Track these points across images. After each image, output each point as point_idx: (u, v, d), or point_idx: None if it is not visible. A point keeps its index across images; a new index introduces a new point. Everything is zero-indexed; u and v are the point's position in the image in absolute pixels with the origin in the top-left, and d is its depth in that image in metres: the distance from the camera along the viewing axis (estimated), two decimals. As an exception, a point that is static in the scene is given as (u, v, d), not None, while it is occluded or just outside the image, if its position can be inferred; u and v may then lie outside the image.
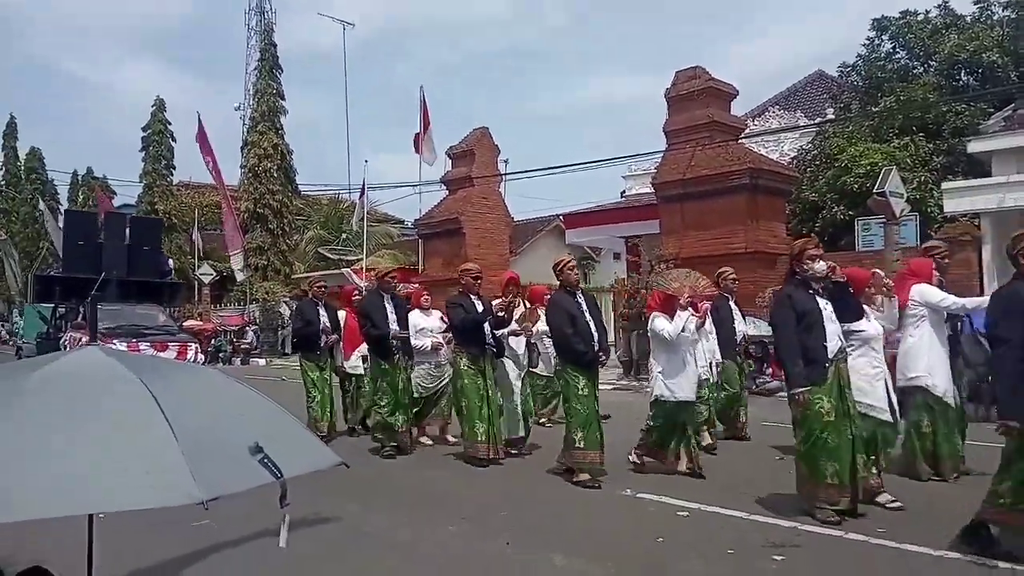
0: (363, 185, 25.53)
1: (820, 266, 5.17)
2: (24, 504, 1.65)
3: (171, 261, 21.59)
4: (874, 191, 12.58)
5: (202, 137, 25.53)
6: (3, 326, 41.04)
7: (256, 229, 28.35)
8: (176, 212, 34.46)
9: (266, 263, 28.13)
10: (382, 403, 7.73)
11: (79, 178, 43.69)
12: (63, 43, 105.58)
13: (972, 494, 4.61)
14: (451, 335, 7.87)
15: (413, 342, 7.89)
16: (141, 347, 14.32)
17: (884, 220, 12.96)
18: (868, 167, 15.95)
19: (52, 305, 18.40)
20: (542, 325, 7.68)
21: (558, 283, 6.79)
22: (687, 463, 6.43)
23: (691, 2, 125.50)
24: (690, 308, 6.34)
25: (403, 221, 35.45)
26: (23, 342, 24.25)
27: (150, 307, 16.07)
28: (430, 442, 8.37)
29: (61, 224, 41.72)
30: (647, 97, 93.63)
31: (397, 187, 47.05)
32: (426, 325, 8.11)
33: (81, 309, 15.32)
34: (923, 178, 16.30)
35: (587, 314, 6.47)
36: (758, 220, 15.49)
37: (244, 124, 34.16)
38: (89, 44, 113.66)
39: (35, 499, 1.65)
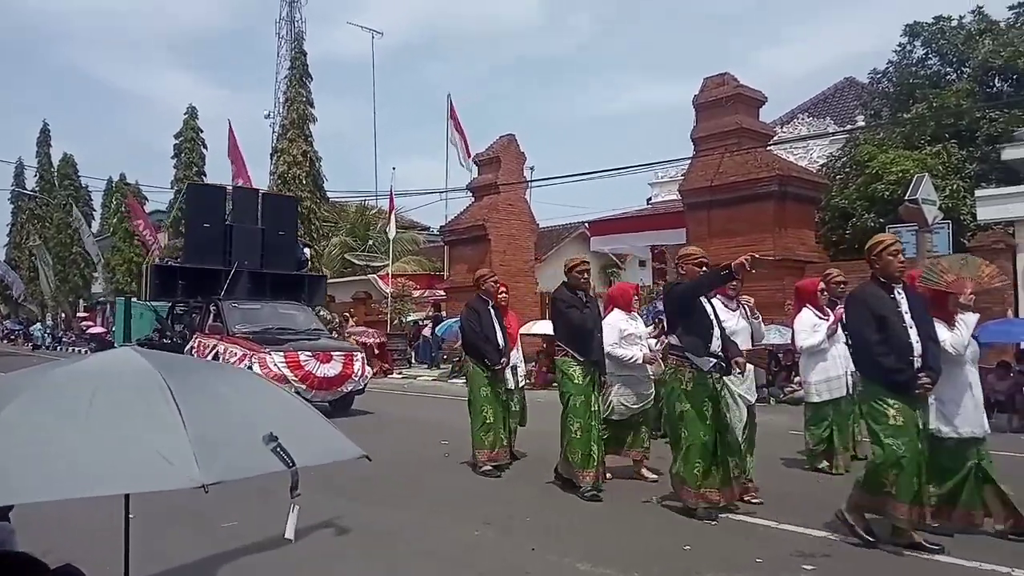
0: (391, 192, 25.74)
1: None
2: (25, 487, 1.70)
3: (307, 250, 17.99)
4: (906, 198, 12.39)
5: (233, 147, 25.82)
6: (26, 332, 41.40)
7: (284, 235, 28.59)
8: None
9: (294, 269, 28.36)
10: (573, 428, 6.11)
11: (113, 184, 44.49)
12: (98, 52, 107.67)
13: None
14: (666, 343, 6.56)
15: (616, 352, 6.43)
16: (301, 359, 11.23)
17: (916, 228, 12.76)
18: (899, 174, 15.71)
19: (159, 302, 15.44)
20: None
21: (870, 273, 4.85)
22: (1001, 520, 4.76)
23: (719, 8, 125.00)
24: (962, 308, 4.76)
25: (429, 227, 35.66)
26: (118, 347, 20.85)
27: (290, 304, 13.43)
28: (654, 477, 6.56)
29: (94, 230, 42.32)
30: (674, 104, 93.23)
31: (423, 193, 47.44)
32: (633, 331, 6.61)
33: (212, 308, 12.74)
34: (956, 186, 16.02)
35: (907, 316, 4.63)
36: (786, 227, 15.34)
37: (274, 132, 34.59)
38: (124, 53, 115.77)
39: (35, 482, 1.70)
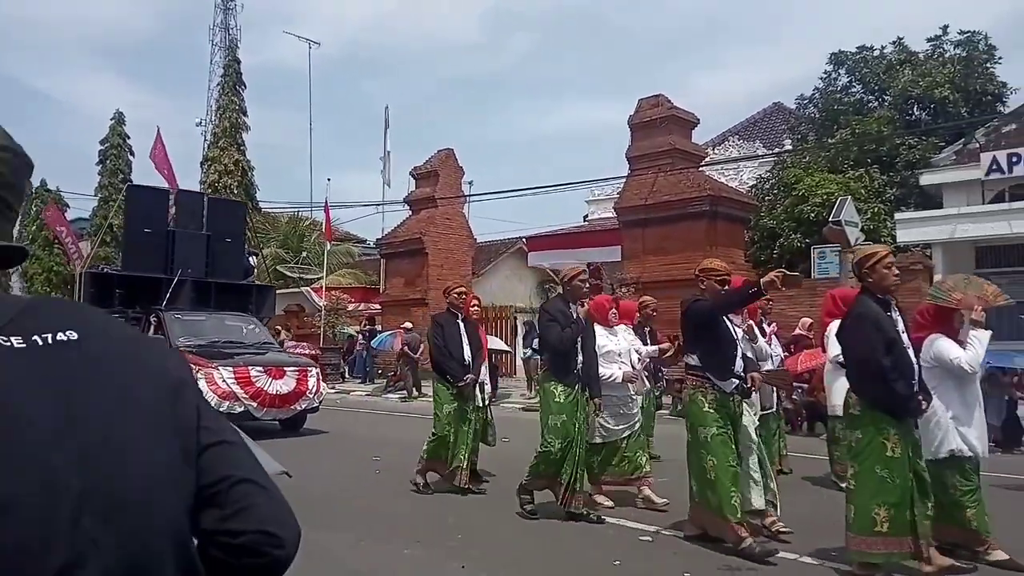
0: (326, 204, 25.40)
1: None
2: None
3: (253, 258, 16.96)
4: (830, 220, 12.84)
5: (160, 152, 24.96)
6: None
7: (214, 245, 27.90)
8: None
9: (223, 280, 27.68)
10: (552, 444, 5.71)
11: (33, 190, 42.71)
12: (18, 54, 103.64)
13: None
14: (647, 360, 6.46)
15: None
16: (252, 374, 10.48)
17: (839, 248, 13.22)
18: (824, 197, 16.30)
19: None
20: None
21: (860, 288, 4.76)
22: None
23: (653, 33, 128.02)
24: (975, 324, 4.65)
25: (365, 240, 35.30)
26: None
27: (237, 316, 12.62)
28: (610, 503, 6.23)
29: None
30: (610, 123, 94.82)
31: (360, 206, 46.96)
32: (612, 347, 6.27)
33: (154, 320, 11.71)
34: (876, 209, 16.70)
35: (904, 336, 4.44)
36: (717, 246, 15.70)
37: (205, 140, 33.87)
38: (47, 56, 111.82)
39: None
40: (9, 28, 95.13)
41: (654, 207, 16.15)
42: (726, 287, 5.18)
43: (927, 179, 16.46)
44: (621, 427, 6.23)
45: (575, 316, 5.77)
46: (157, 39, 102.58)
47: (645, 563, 4.76)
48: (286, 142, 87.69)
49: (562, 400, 5.71)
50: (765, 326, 7.34)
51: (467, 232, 22.97)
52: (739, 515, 4.80)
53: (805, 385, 10.35)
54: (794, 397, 10.18)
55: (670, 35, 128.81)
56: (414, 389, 16.88)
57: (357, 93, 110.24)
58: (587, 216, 26.34)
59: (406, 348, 17.15)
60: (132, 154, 35.56)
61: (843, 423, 5.34)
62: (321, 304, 24.53)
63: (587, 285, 6.00)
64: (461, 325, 6.99)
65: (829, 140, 19.20)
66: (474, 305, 7.42)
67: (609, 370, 6.10)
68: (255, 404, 10.27)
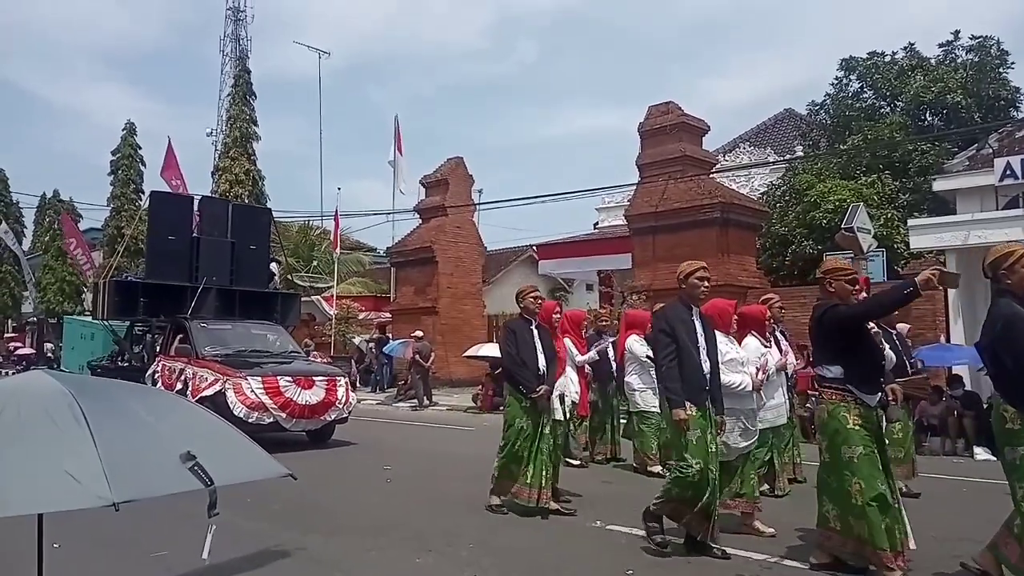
0: (336, 213, 25.50)
1: None
2: None
3: (275, 264, 16.73)
4: (842, 227, 12.75)
5: (170, 163, 25.09)
6: None
7: (225, 255, 27.99)
8: (143, 237, 34.01)
9: (235, 290, 27.75)
10: (690, 466, 4.94)
11: (46, 201, 43.04)
12: (32, 65, 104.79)
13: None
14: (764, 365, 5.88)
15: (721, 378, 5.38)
16: (281, 384, 10.18)
17: (852, 255, 13.12)
18: (836, 203, 16.21)
19: (115, 322, 13.97)
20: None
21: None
22: None
23: (663, 34, 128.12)
24: None
25: (375, 249, 35.37)
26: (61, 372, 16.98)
27: (263, 324, 12.51)
28: (771, 532, 5.49)
29: (25, 247, 40.69)
30: (620, 130, 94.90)
31: (370, 215, 46.95)
32: (735, 355, 5.68)
33: (178, 328, 11.65)
34: (889, 215, 16.59)
35: None
36: (728, 253, 15.63)
37: (216, 150, 34.05)
38: (59, 66, 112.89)
39: None
40: (20, 38, 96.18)
41: (664, 214, 16.10)
42: (856, 286, 4.72)
43: (940, 185, 16.33)
44: (745, 444, 5.61)
45: (694, 321, 5.22)
46: (168, 49, 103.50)
47: (658, 572, 4.70)
48: (295, 151, 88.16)
49: (694, 413, 5.00)
50: (779, 334, 7.26)
51: (477, 240, 22.99)
52: (890, 543, 4.26)
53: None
54: (808, 405, 10.07)
55: (679, 39, 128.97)
56: (425, 398, 16.86)
57: (365, 101, 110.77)
58: (597, 224, 26.30)
59: (417, 357, 17.15)
60: (144, 164, 35.82)
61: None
62: (332, 313, 24.57)
63: (705, 283, 5.33)
64: (535, 332, 6.47)
65: (841, 146, 19.12)
66: (557, 312, 7.04)
67: (736, 378, 5.50)
68: (284, 415, 10.00)
